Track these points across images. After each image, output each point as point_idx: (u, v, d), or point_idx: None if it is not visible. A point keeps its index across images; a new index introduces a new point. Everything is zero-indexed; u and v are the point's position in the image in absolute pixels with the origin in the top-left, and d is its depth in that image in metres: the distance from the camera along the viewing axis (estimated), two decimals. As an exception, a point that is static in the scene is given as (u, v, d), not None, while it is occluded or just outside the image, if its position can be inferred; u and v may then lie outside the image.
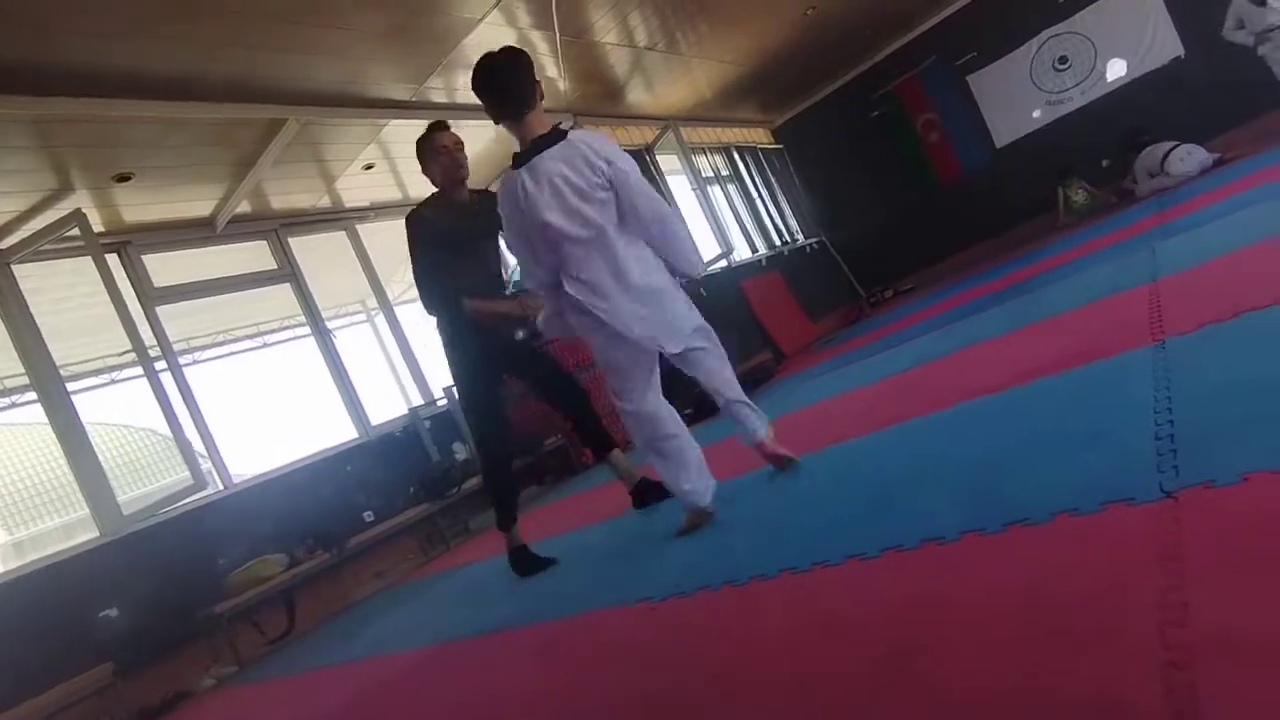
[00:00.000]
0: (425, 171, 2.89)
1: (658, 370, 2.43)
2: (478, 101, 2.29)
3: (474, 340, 2.87)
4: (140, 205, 4.76)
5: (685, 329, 2.37)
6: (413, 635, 2.85)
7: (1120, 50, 7.59)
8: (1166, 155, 6.45)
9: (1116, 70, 7.65)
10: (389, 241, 6.95)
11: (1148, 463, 1.32)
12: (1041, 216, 7.82)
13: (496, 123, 2.29)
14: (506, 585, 2.94)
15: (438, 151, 2.84)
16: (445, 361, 2.98)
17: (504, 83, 2.25)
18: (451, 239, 2.84)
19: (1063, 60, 7.91)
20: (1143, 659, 0.84)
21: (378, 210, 6.52)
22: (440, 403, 6.06)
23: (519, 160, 2.23)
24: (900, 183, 9.03)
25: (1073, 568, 1.13)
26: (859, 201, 9.40)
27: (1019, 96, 8.11)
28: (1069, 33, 7.81)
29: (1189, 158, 6.37)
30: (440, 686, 2.03)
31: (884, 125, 9.00)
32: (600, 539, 2.95)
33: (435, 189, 2.91)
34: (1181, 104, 7.02)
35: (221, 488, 4.82)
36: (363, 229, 6.39)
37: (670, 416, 2.39)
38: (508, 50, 2.29)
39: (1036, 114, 8.13)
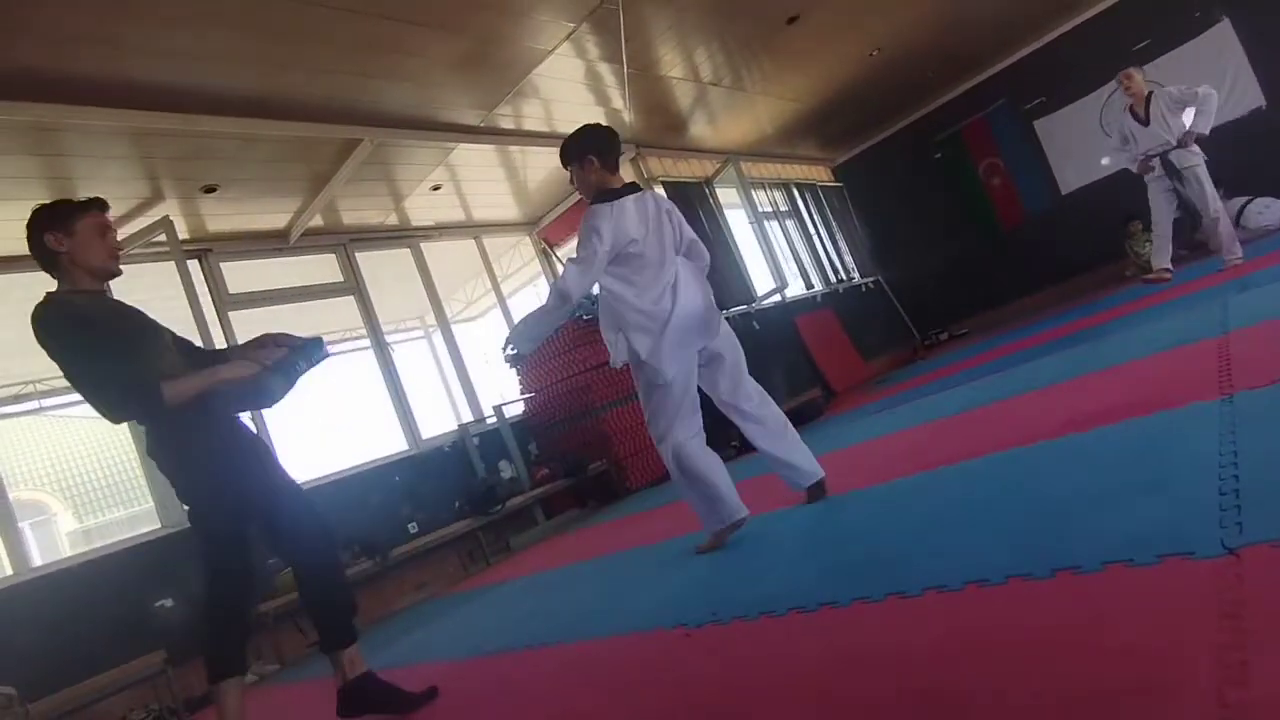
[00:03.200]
0: (76, 254, 2.01)
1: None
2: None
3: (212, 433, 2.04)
4: (223, 215, 5.03)
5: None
6: (449, 646, 2.89)
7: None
8: (1243, 208, 6.23)
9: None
10: (451, 261, 7.17)
11: (1209, 517, 1.28)
12: (1106, 266, 7.61)
13: (603, 166, 2.62)
14: (544, 603, 2.97)
15: (104, 229, 2.09)
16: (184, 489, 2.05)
17: (618, 143, 2.76)
18: (131, 327, 2.09)
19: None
20: (1198, 718, 0.82)
21: (442, 230, 6.73)
22: (490, 421, 6.17)
23: (620, 193, 2.58)
24: (960, 225, 8.91)
25: (1124, 619, 1.10)
26: (917, 243, 9.30)
27: (1087, 143, 7.94)
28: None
29: (1268, 211, 6.14)
30: (472, 700, 2.05)
31: (946, 167, 8.92)
32: (639, 563, 2.95)
33: (87, 273, 2.05)
34: (1261, 156, 6.78)
35: (276, 489, 4.96)
36: (426, 247, 6.60)
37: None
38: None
39: (1105, 161, 7.93)
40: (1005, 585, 1.33)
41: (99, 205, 2.09)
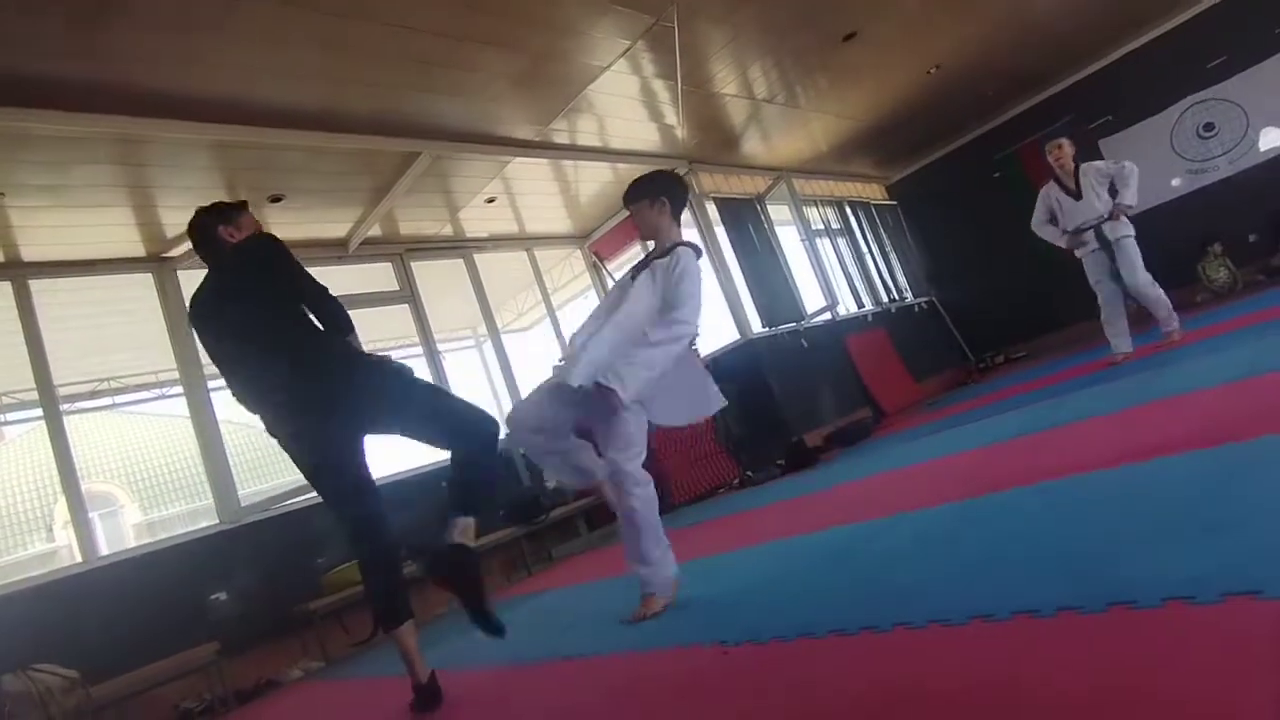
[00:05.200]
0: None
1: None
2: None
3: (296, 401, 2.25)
4: (287, 224, 5.22)
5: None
6: (488, 653, 2.90)
7: (1276, 118, 7.07)
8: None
9: (1271, 140, 7.12)
10: (503, 272, 7.30)
11: (1278, 556, 1.21)
12: (1173, 291, 7.30)
13: (673, 215, 2.61)
14: (584, 614, 2.97)
15: (256, 224, 2.49)
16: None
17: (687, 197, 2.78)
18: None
19: (1209, 127, 7.44)
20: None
21: (495, 241, 6.86)
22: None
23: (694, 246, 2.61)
24: (1018, 246, 8.62)
25: (1181, 659, 1.05)
26: (973, 262, 9.08)
27: (1157, 163, 7.65)
28: (1217, 99, 7.36)
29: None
30: (507, 706, 2.07)
31: (1004, 187, 8.70)
32: (681, 579, 2.93)
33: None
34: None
35: (328, 491, 5.10)
36: (480, 258, 6.73)
37: None
38: None
39: (1176, 182, 7.66)
40: (1055, 618, 1.29)
41: (246, 206, 2.52)
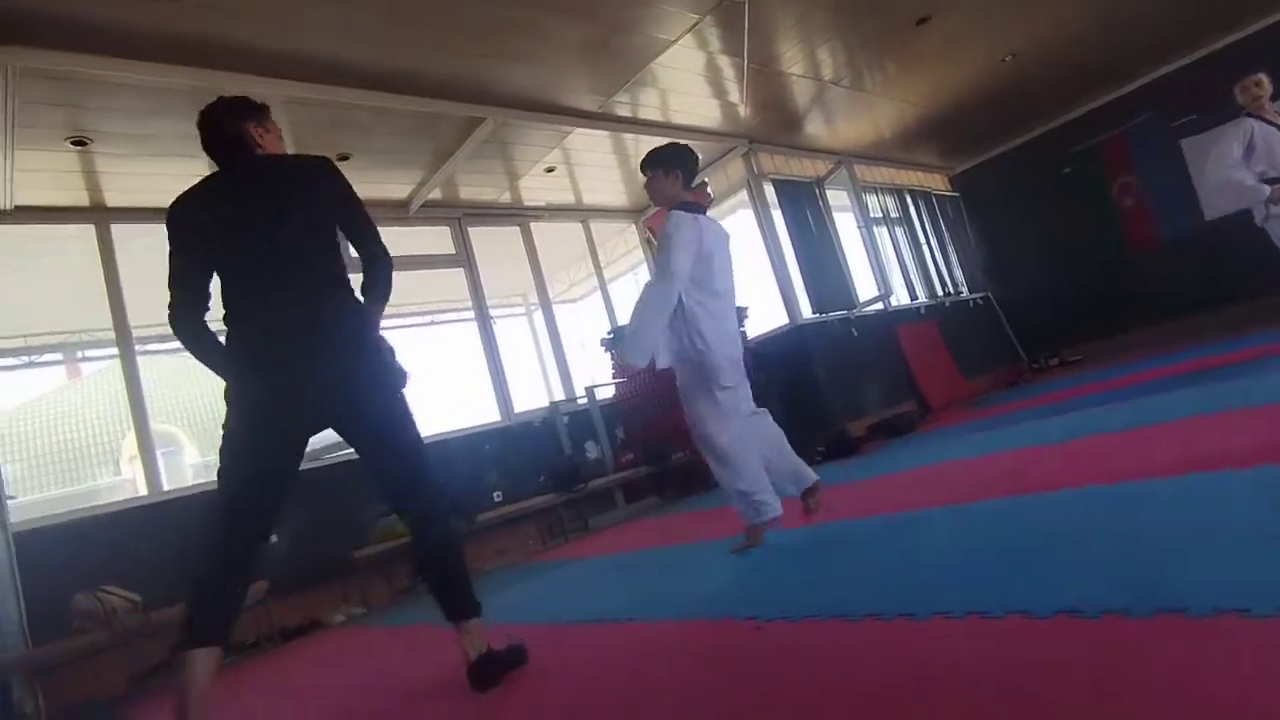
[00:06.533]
0: (269, 148, 2.04)
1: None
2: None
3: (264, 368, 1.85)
4: (353, 183, 5.33)
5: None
6: (522, 612, 3.00)
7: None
8: None
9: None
10: (558, 242, 7.35)
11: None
12: (1254, 301, 6.98)
13: (684, 183, 2.85)
14: (617, 582, 3.03)
15: (280, 133, 2.12)
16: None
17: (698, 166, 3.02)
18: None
19: (1302, 132, 7.03)
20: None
21: (552, 211, 6.91)
22: (581, 401, 6.32)
23: (693, 208, 2.82)
24: (1084, 247, 8.36)
25: (1230, 672, 1.04)
26: (1035, 261, 8.80)
27: (1243, 167, 7.30)
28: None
29: None
30: (547, 663, 2.13)
31: (1074, 184, 8.40)
32: (712, 555, 2.97)
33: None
34: None
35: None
36: (536, 227, 6.79)
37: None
38: None
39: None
40: (1099, 621, 1.28)
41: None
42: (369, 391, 1.90)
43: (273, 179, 1.96)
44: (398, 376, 1.97)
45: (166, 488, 4.68)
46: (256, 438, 1.84)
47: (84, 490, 13.99)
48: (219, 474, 1.88)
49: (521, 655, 1.99)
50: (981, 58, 6.37)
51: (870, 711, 1.22)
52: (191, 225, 1.89)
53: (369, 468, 1.96)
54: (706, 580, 2.57)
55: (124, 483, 14.57)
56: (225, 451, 1.87)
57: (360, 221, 2.04)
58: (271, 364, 1.83)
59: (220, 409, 1.94)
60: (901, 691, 1.26)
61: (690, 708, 1.45)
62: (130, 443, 13.57)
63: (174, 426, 15.46)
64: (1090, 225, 8.32)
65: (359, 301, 1.97)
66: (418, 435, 1.99)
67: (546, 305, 6.84)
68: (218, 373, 1.93)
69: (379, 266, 2.03)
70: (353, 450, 1.99)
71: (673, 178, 2.79)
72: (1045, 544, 1.86)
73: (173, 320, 1.91)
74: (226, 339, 1.91)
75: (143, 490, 4.57)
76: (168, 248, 1.92)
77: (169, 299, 1.90)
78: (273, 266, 1.86)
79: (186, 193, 1.93)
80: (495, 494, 5.42)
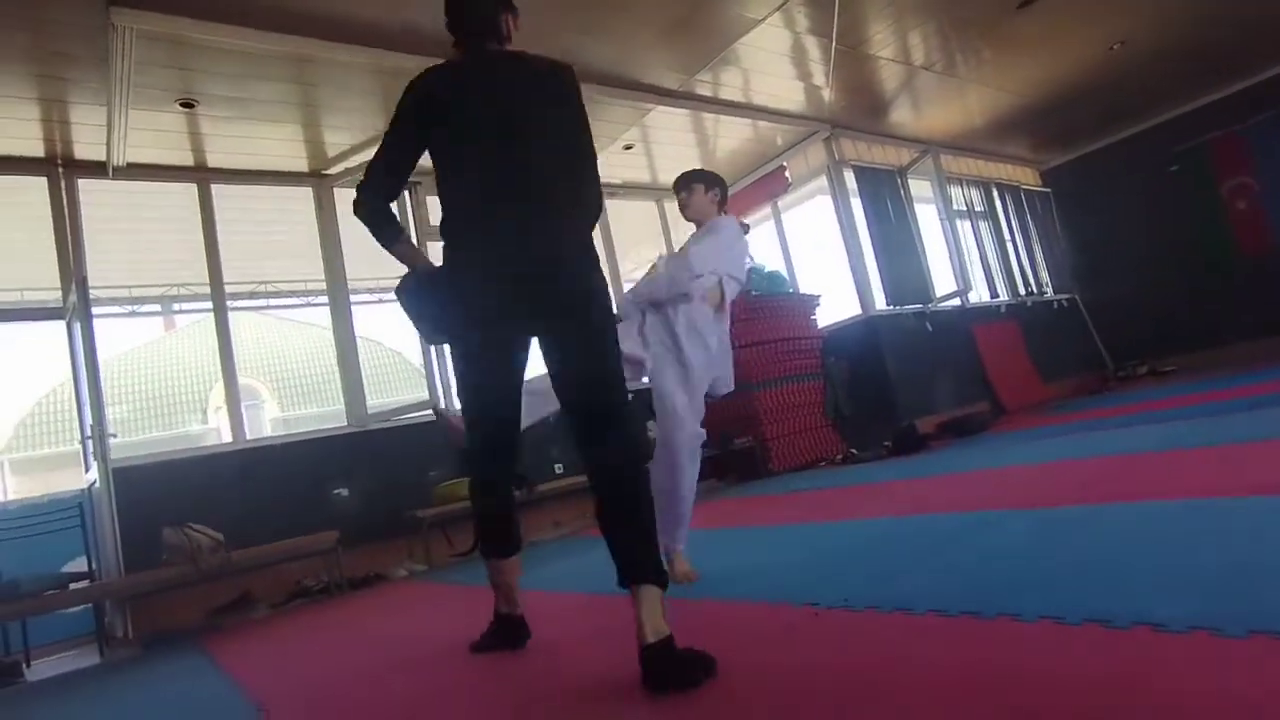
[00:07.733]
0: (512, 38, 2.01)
1: None
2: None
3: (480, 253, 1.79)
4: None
5: None
6: (575, 581, 3.05)
7: None
8: None
9: None
10: (630, 220, 7.36)
11: None
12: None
13: (720, 203, 2.88)
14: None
15: None
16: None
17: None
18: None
19: None
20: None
21: (627, 189, 6.92)
22: (645, 381, 6.32)
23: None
24: (1186, 250, 7.86)
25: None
26: (1128, 263, 8.33)
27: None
28: None
29: None
30: (602, 630, 2.17)
31: (1180, 183, 7.89)
32: (771, 540, 2.96)
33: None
34: None
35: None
36: (611, 204, 6.81)
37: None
38: None
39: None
40: (1186, 635, 1.22)
41: None
42: (587, 306, 1.78)
43: (527, 79, 1.87)
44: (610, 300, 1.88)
45: (249, 437, 4.95)
46: (481, 367, 1.91)
47: (175, 435, 14.90)
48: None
49: (711, 666, 1.49)
50: (1086, 45, 6.03)
51: (926, 707, 1.20)
52: (447, 101, 1.86)
53: (562, 390, 1.81)
54: (764, 564, 2.56)
55: (209, 431, 15.45)
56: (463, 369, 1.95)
57: (587, 141, 1.90)
58: (506, 287, 1.76)
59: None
60: (961, 690, 1.23)
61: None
62: (218, 393, 14.40)
63: (257, 381, 16.28)
64: (1194, 228, 7.81)
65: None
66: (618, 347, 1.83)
67: (618, 281, 6.88)
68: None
69: (592, 191, 1.91)
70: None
71: (713, 195, 2.87)
72: (1127, 554, 1.78)
73: (373, 199, 1.95)
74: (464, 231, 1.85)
75: (227, 438, 4.83)
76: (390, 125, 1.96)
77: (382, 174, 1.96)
78: (532, 178, 1.78)
79: (436, 70, 1.91)
80: (557, 466, 5.51)
